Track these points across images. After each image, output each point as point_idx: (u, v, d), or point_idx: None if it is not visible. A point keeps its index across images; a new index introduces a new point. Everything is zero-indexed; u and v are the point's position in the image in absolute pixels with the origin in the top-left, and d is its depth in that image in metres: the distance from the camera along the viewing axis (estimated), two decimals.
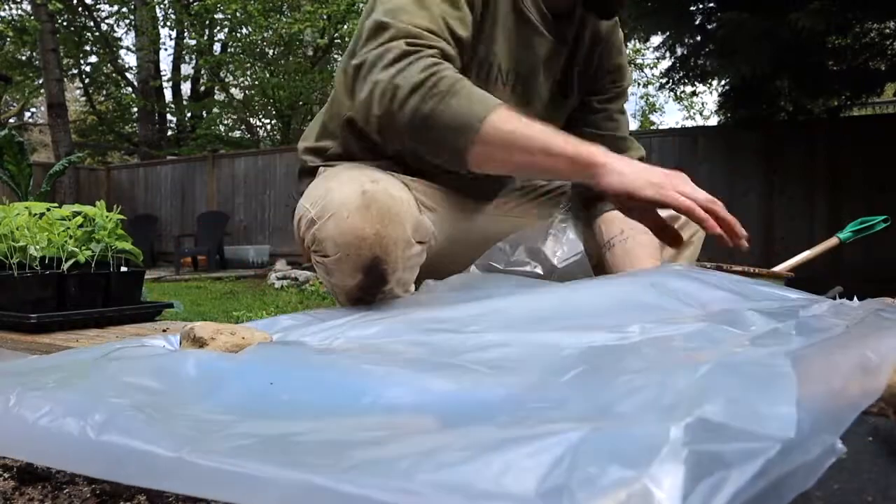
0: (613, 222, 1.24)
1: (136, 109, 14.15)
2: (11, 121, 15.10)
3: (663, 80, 6.04)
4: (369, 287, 0.98)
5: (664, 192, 0.91)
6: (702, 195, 0.92)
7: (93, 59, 14.72)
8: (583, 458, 0.30)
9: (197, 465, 0.33)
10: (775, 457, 0.30)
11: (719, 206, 0.91)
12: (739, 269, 1.39)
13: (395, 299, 1.02)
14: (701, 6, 5.25)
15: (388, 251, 0.95)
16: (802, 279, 1.34)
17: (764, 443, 0.30)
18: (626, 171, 0.91)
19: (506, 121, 0.91)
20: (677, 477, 0.28)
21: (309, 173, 1.29)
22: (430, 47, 0.97)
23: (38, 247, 1.32)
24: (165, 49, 14.61)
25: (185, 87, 15.22)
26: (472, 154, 0.93)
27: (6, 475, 0.55)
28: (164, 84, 14.37)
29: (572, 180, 1.06)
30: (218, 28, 13.23)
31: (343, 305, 1.04)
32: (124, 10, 13.49)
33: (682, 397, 0.36)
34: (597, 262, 1.28)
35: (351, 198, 0.93)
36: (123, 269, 1.47)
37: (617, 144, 1.27)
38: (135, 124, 14.70)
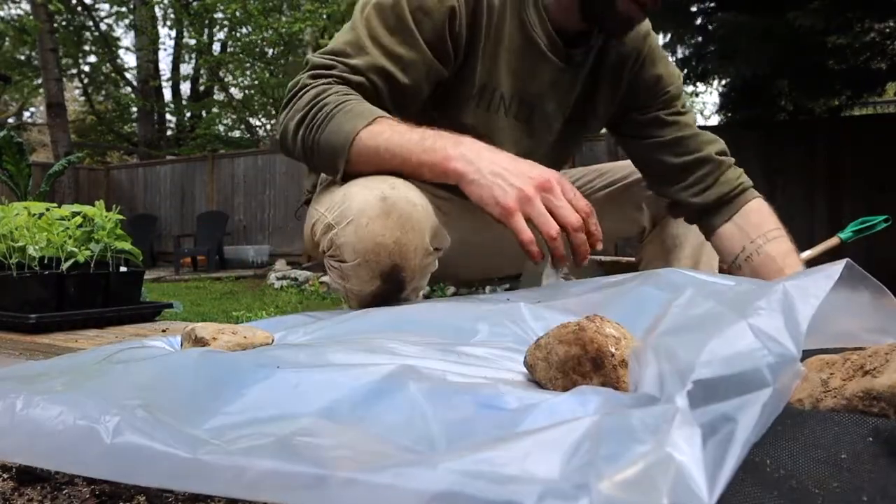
0: (731, 237, 1.17)
1: (135, 109, 14.17)
2: (10, 121, 15.09)
3: None
4: (386, 294, 0.97)
5: (510, 219, 0.84)
6: (564, 214, 0.84)
7: (92, 58, 14.74)
8: (602, 440, 0.30)
9: (215, 464, 0.34)
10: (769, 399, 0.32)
11: (575, 229, 0.84)
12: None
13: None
14: (701, 6, 5.26)
15: (407, 259, 0.93)
16: None
17: (758, 391, 0.33)
18: (478, 181, 0.87)
19: (373, 136, 0.91)
20: (695, 440, 0.29)
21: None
22: (333, 77, 0.98)
23: (37, 247, 1.32)
24: (165, 49, 14.68)
25: (185, 87, 15.24)
26: (348, 172, 0.94)
27: (6, 475, 0.55)
28: (164, 84, 14.40)
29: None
30: (217, 28, 13.24)
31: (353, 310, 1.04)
32: (123, 9, 13.50)
33: (675, 367, 0.38)
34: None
35: (371, 204, 0.92)
36: (123, 269, 1.47)
37: (684, 144, 1.19)
38: (134, 124, 14.72)
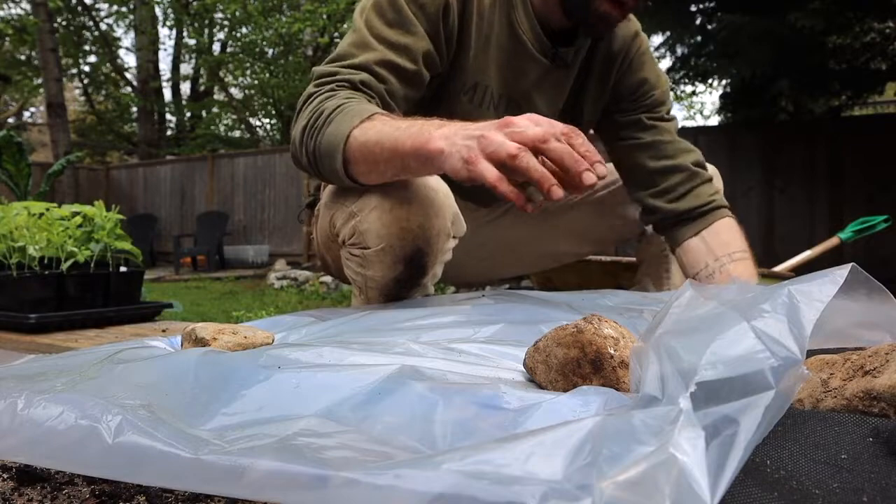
0: (696, 251, 1.15)
1: (135, 109, 14.16)
2: (10, 120, 15.08)
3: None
4: (408, 280, 0.98)
5: (472, 167, 0.74)
6: (526, 134, 0.73)
7: (92, 58, 14.73)
8: (604, 441, 0.30)
9: (216, 464, 0.34)
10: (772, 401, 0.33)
11: (553, 144, 0.72)
12: None
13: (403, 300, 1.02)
14: (701, 6, 5.26)
15: (431, 243, 0.95)
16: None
17: (760, 393, 0.33)
18: (446, 150, 0.78)
19: (365, 131, 0.87)
20: (698, 441, 0.29)
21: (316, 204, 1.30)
22: (336, 81, 0.97)
23: (37, 247, 1.31)
24: (165, 49, 14.68)
25: (185, 87, 15.23)
26: (349, 173, 0.91)
27: (5, 475, 0.55)
28: (164, 84, 14.39)
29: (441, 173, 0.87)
30: (217, 28, 13.24)
31: (370, 302, 1.04)
32: (123, 9, 13.48)
33: (677, 368, 0.38)
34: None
35: (393, 190, 0.93)
36: (123, 268, 1.47)
37: (661, 149, 1.18)
38: (134, 124, 14.71)
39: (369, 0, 1.03)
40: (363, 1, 1.05)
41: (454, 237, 1.01)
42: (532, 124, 0.74)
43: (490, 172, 0.73)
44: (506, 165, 0.73)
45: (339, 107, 0.92)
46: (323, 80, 0.99)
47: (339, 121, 0.90)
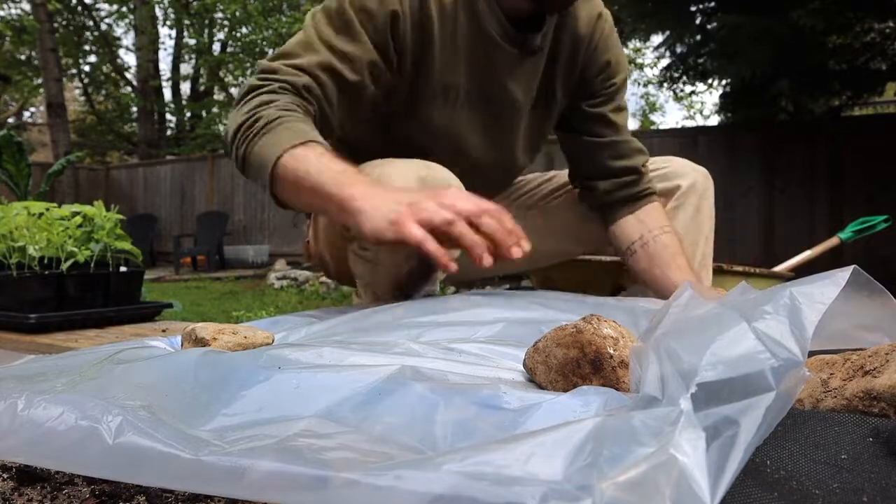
0: (631, 226, 1.23)
1: (135, 109, 14.17)
2: (10, 120, 15.08)
3: (663, 80, 6.04)
4: (420, 274, 0.98)
5: (399, 228, 0.77)
6: (460, 205, 0.78)
7: (92, 58, 14.74)
8: (605, 441, 0.30)
9: (217, 465, 0.34)
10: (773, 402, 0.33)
11: (486, 219, 0.79)
12: (740, 269, 1.39)
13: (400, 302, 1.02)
14: (701, 6, 5.26)
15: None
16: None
17: (761, 395, 0.33)
18: (368, 211, 0.80)
19: (298, 160, 0.86)
20: (699, 443, 0.29)
21: None
22: (279, 81, 0.96)
23: (37, 247, 1.32)
24: (165, 49, 14.69)
25: (185, 87, 15.24)
26: (277, 194, 0.91)
27: (5, 475, 0.55)
28: (164, 84, 14.40)
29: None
30: (217, 27, 13.25)
31: (378, 297, 1.04)
32: (124, 9, 13.49)
33: (677, 368, 0.38)
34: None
35: (409, 185, 0.93)
36: (123, 268, 1.47)
37: (619, 150, 1.24)
38: (134, 124, 14.72)
39: (321, 5, 1.04)
40: (317, 6, 1.05)
41: None
42: (464, 198, 0.80)
43: (418, 232, 0.77)
44: (436, 231, 0.77)
45: (276, 119, 0.91)
46: (266, 76, 0.98)
47: (273, 137, 0.89)
